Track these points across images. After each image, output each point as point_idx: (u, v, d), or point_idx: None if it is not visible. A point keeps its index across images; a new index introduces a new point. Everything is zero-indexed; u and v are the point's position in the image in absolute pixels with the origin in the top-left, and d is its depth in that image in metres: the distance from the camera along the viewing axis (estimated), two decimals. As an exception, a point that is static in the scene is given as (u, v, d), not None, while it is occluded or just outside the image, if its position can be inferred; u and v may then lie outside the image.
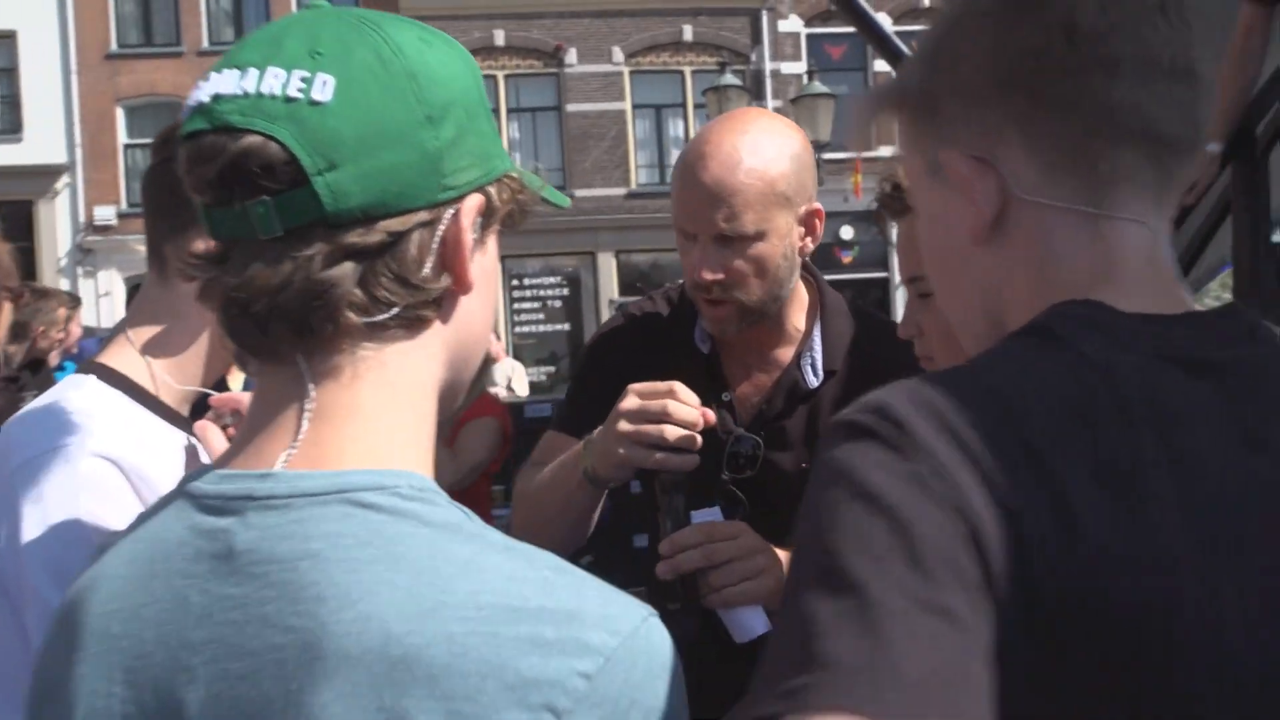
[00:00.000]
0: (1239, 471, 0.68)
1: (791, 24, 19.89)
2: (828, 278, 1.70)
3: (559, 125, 19.71)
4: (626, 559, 1.94)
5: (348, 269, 0.69)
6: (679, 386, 1.40)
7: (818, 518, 0.65)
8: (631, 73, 19.84)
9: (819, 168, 1.73)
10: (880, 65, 15.63)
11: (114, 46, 19.49)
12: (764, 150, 1.51)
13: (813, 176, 1.58)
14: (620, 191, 19.50)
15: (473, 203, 0.74)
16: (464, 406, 2.09)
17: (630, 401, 1.40)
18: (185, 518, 0.71)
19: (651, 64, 19.93)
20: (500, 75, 19.58)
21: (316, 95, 0.68)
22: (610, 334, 1.77)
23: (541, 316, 19.50)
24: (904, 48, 2.83)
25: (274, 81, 0.68)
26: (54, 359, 4.92)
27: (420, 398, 0.75)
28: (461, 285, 0.75)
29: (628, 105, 19.76)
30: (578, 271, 19.57)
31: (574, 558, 1.77)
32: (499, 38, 19.54)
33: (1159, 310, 0.74)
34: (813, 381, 1.62)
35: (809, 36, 19.63)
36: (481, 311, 0.80)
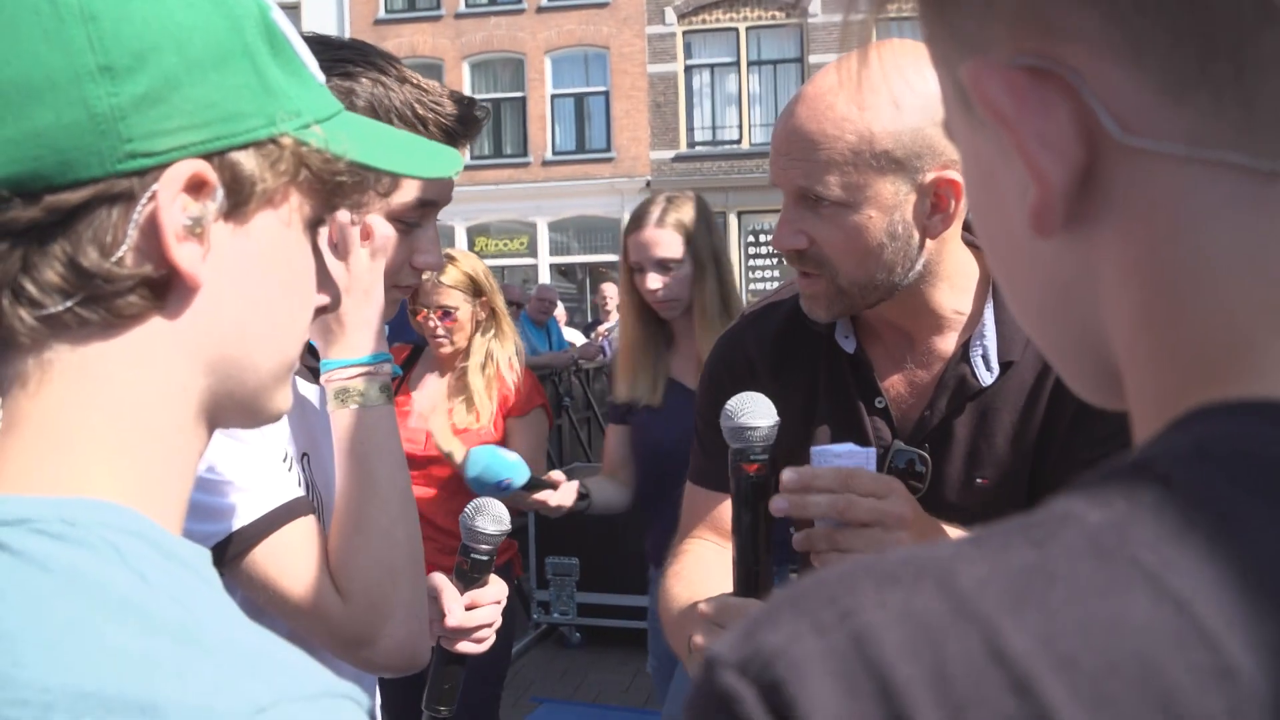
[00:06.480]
0: None
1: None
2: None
3: (800, 79, 19.03)
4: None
5: (0, 250, 0.56)
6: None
7: None
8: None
9: None
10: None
11: (382, 13, 20.91)
12: (877, 98, 1.17)
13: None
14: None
15: (178, 174, 0.57)
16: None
17: (700, 611, 1.18)
18: None
19: (899, 10, 18.52)
20: (742, 27, 19.01)
21: None
22: (730, 346, 1.47)
23: (777, 274, 19.57)
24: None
25: None
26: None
27: (144, 410, 0.59)
28: (176, 276, 0.58)
29: (873, 54, 18.64)
30: (816, 226, 19.22)
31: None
32: (738, -8, 18.84)
33: None
34: (985, 377, 1.29)
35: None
36: (249, 310, 0.63)
